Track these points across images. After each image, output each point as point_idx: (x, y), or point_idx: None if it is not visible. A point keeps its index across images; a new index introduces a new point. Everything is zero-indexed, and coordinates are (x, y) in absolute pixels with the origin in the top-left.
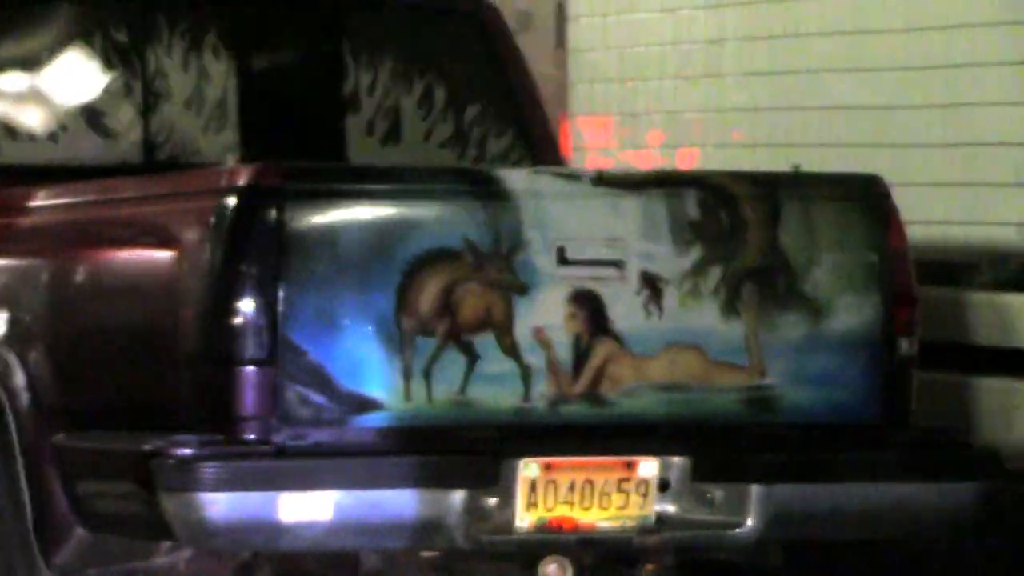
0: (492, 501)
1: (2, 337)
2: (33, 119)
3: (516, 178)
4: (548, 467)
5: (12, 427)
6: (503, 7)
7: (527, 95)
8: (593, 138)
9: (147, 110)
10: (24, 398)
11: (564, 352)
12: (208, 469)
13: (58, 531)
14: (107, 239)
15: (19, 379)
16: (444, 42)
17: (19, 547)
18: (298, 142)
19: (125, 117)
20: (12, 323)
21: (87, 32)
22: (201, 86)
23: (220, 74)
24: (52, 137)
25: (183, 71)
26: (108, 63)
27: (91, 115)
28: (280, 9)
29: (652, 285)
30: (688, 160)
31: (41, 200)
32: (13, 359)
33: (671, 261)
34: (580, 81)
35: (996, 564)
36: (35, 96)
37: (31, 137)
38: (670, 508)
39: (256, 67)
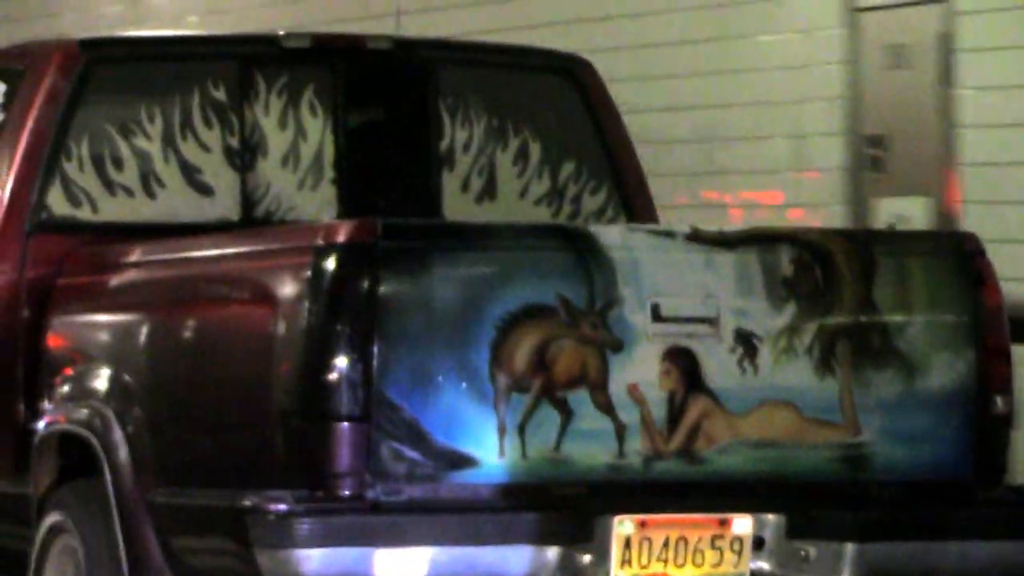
0: (587, 558)
1: (101, 393)
2: (131, 177)
3: (610, 235)
4: (642, 524)
5: (109, 482)
6: (874, 41)
7: (622, 151)
8: (982, 191)
9: (244, 167)
10: (121, 453)
11: (658, 409)
12: (303, 525)
13: None
14: (203, 296)
15: (116, 434)
16: (539, 99)
17: None
18: (393, 199)
19: (223, 174)
20: (110, 379)
21: (185, 90)
22: (298, 143)
23: (316, 131)
24: (150, 195)
25: (280, 128)
26: (206, 121)
27: (189, 172)
28: (376, 67)
29: (746, 342)
30: None
31: (137, 257)
32: (111, 415)
33: (765, 318)
34: (969, 125)
35: None
36: (133, 154)
37: (129, 195)
38: (764, 566)
39: (352, 124)
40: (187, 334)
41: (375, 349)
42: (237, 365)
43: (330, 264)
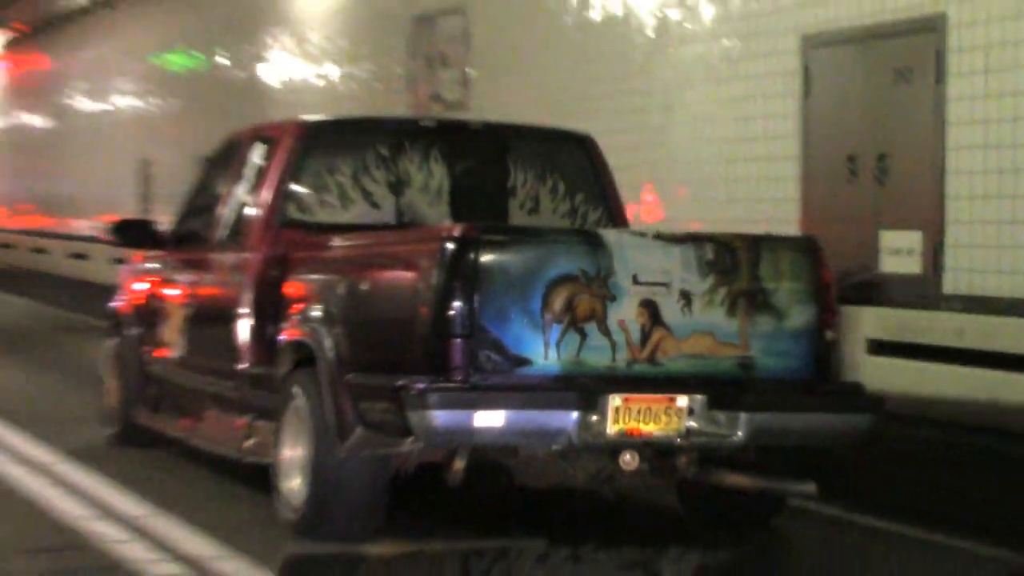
0: (594, 418)
1: (317, 319)
2: (334, 197)
3: (609, 235)
4: (626, 400)
5: (322, 369)
6: None
7: (611, 189)
8: None
9: (398, 194)
10: (330, 354)
11: (635, 334)
12: (434, 396)
13: (347, 428)
14: (376, 266)
15: (328, 343)
16: (564, 158)
17: (325, 437)
18: (482, 214)
19: (386, 197)
20: (324, 311)
21: (365, 148)
22: (428, 181)
23: (439, 174)
24: (345, 207)
25: (419, 172)
26: (377, 166)
27: (367, 195)
28: (473, 139)
29: (686, 297)
30: None
31: (338, 243)
32: (324, 331)
33: (697, 283)
34: None
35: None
36: (336, 184)
37: (333, 207)
38: (694, 424)
39: (458, 170)
40: (366, 288)
41: (475, 297)
42: (397, 306)
43: (450, 249)
